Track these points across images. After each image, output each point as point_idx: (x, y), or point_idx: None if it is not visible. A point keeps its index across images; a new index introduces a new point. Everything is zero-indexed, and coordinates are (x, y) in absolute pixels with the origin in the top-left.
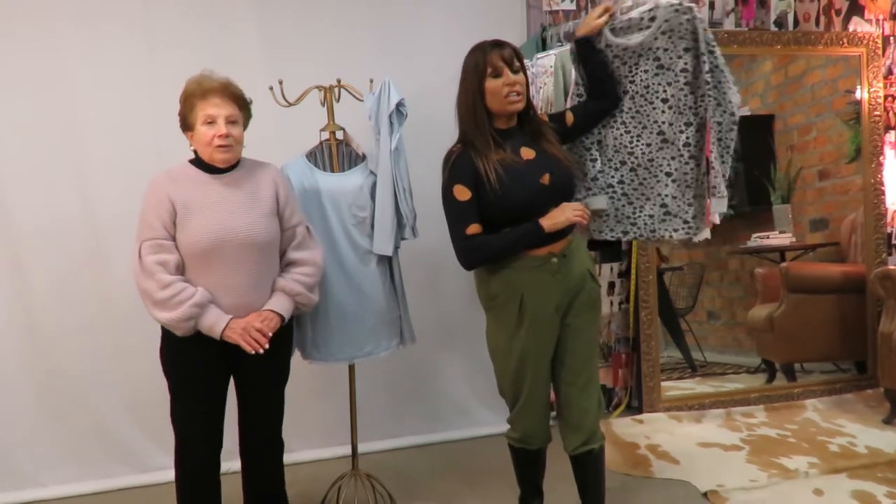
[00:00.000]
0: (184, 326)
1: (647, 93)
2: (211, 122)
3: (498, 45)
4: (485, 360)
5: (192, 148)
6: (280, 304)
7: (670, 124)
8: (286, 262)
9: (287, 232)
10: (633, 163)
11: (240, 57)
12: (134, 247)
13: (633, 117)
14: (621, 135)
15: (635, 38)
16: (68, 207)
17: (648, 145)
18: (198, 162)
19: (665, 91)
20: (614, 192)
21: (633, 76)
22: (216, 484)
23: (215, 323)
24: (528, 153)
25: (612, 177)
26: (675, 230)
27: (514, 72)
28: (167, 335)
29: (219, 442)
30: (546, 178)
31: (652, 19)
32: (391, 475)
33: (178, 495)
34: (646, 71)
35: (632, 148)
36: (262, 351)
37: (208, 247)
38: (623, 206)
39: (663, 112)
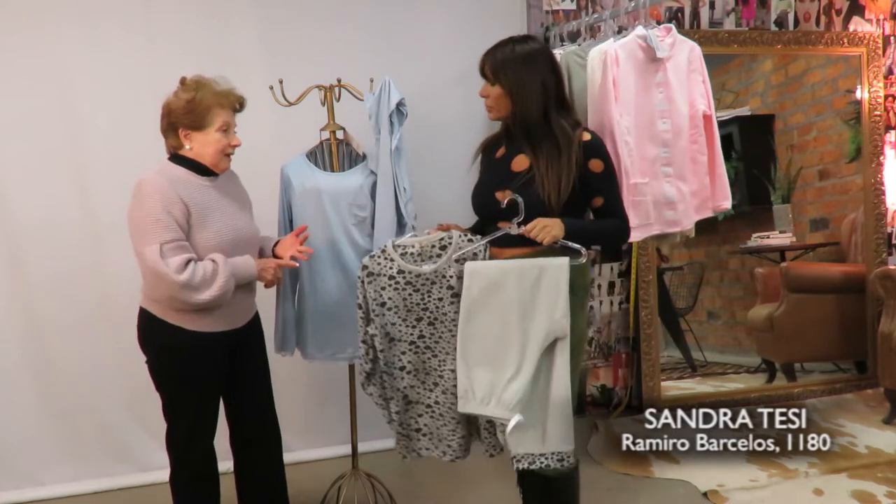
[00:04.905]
0: (230, 289)
1: (445, 319)
2: (227, 129)
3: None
4: None
5: (188, 148)
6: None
7: None
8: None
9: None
10: (444, 386)
11: (240, 56)
12: (145, 249)
13: (436, 342)
14: (429, 358)
15: (427, 266)
16: (68, 204)
17: (452, 370)
18: (186, 162)
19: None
20: (433, 412)
21: (426, 303)
22: (218, 485)
23: (249, 266)
24: (519, 163)
25: (429, 397)
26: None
27: (492, 83)
28: (171, 346)
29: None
30: (503, 196)
31: (443, 248)
32: (391, 475)
33: (181, 500)
34: (440, 298)
35: (441, 371)
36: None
37: (227, 248)
38: (440, 426)
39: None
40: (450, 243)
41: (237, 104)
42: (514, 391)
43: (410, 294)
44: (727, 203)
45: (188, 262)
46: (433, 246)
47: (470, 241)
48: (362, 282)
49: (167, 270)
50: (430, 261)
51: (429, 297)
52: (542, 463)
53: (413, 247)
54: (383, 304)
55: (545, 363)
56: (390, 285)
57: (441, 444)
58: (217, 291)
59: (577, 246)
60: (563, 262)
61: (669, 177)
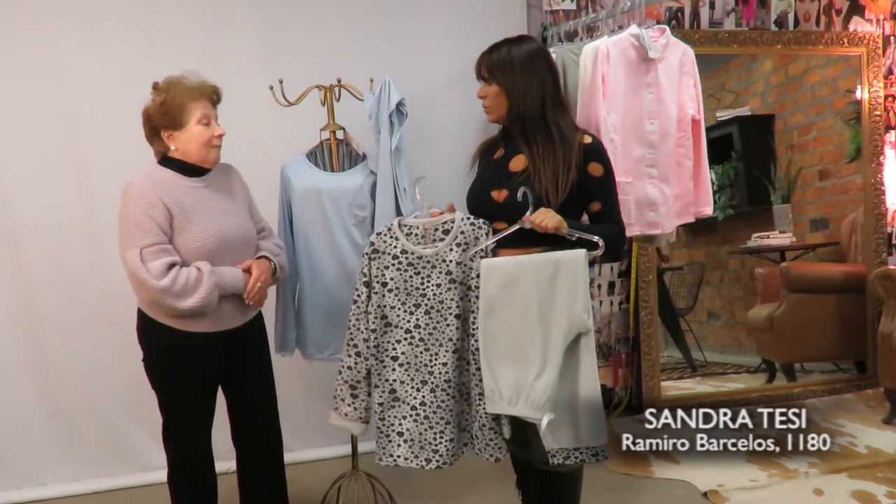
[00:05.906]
0: (214, 299)
1: (442, 308)
2: (206, 122)
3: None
4: None
5: (173, 149)
6: (268, 251)
7: (463, 341)
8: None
9: (255, 227)
10: (433, 383)
11: (240, 56)
12: (127, 254)
13: (430, 333)
14: (421, 352)
15: (429, 249)
16: (67, 204)
17: (444, 364)
18: (173, 164)
19: (458, 306)
20: (417, 415)
21: (424, 288)
22: (216, 484)
23: (237, 279)
24: (517, 163)
25: (415, 397)
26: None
27: (489, 82)
28: (166, 346)
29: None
30: (501, 196)
31: (446, 232)
32: (391, 475)
33: (179, 500)
34: (438, 284)
35: (431, 367)
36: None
37: (214, 249)
38: (424, 430)
39: (457, 328)
40: (452, 227)
41: (213, 95)
42: (541, 390)
43: (411, 276)
44: (709, 209)
45: (170, 266)
46: (436, 229)
47: (472, 224)
48: (369, 258)
49: (147, 276)
50: (432, 244)
51: (428, 281)
52: (576, 458)
53: (418, 228)
54: (385, 285)
55: (570, 360)
56: (393, 265)
57: (424, 451)
58: (197, 302)
59: (595, 238)
60: (580, 253)
61: (653, 178)
